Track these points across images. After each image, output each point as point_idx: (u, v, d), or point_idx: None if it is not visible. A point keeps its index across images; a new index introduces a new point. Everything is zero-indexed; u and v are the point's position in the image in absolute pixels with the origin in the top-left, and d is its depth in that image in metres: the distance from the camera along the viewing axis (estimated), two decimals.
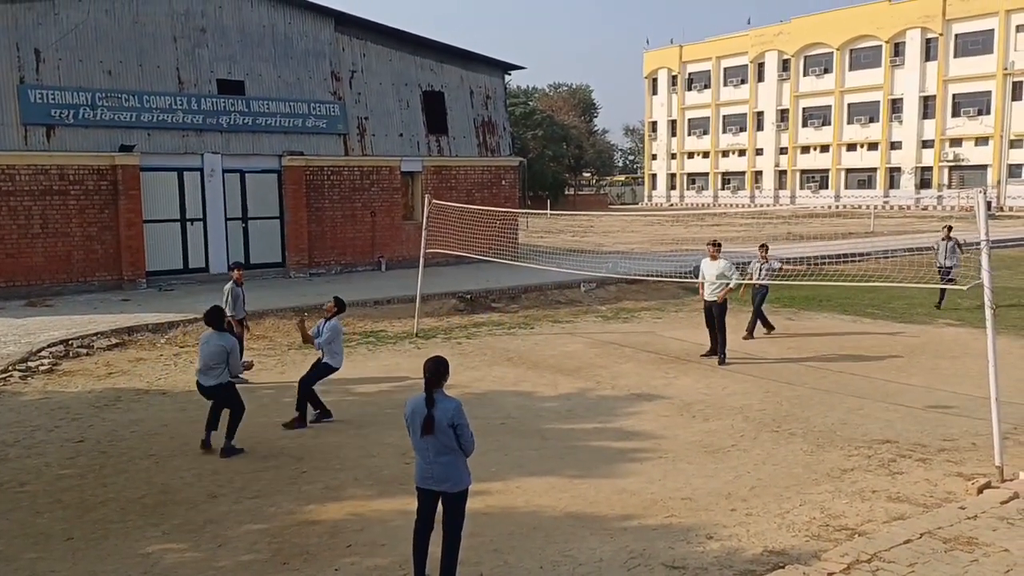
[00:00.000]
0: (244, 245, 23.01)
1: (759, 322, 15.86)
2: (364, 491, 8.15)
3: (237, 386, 9.62)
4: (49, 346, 14.47)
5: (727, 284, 13.74)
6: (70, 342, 14.83)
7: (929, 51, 65.42)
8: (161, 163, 21.51)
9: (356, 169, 24.55)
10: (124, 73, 21.06)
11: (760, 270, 15.70)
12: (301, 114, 23.44)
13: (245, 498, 8.02)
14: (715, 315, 13.70)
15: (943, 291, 18.10)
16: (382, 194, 25.02)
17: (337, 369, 10.82)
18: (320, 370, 10.70)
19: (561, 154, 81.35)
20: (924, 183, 66.29)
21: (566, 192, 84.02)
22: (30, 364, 13.51)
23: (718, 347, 13.66)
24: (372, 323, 17.35)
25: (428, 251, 16.89)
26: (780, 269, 16.51)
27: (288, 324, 16.69)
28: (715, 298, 13.72)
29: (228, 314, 12.15)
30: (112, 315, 17.10)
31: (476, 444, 6.21)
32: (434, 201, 17.26)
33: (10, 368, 13.13)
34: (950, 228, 18.84)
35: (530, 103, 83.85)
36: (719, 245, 13.99)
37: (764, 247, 16.08)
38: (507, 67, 28.18)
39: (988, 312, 8.34)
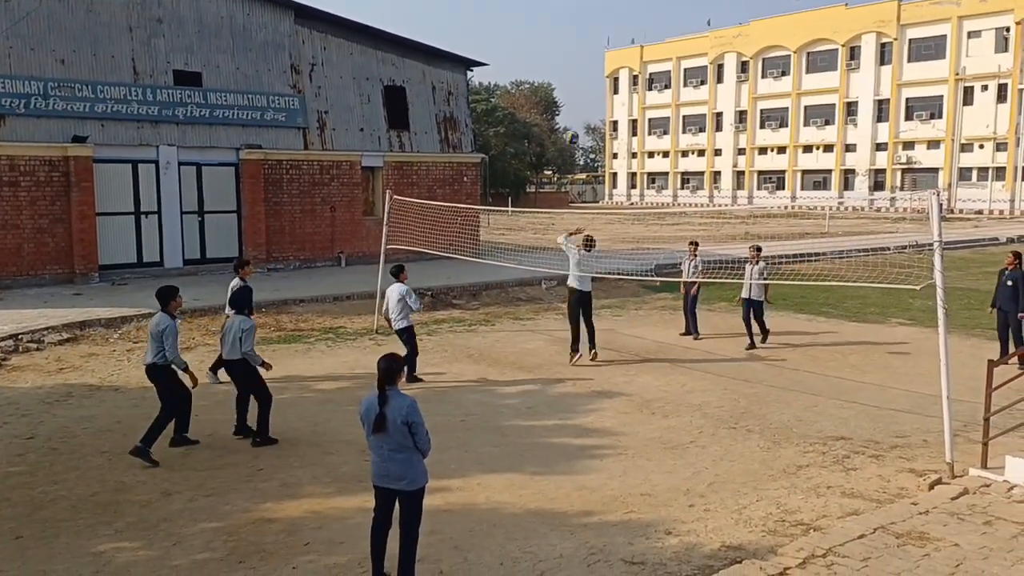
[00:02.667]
0: (200, 239, 22.66)
1: (687, 322, 15.89)
2: (322, 488, 8.07)
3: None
4: None
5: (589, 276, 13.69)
6: (20, 337, 14.47)
7: (884, 55, 66.69)
8: (115, 155, 21.08)
9: (316, 163, 24.31)
10: (77, 62, 20.59)
11: (690, 267, 15.82)
12: (259, 107, 23.14)
13: (200, 496, 7.89)
14: (585, 305, 13.53)
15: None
16: (342, 189, 24.81)
17: None
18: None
19: (523, 152, 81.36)
20: (878, 185, 67.58)
21: (527, 190, 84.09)
22: None
23: (590, 337, 13.55)
24: (331, 319, 17.19)
25: (389, 247, 16.78)
26: (702, 272, 16.02)
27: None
28: (588, 288, 13.55)
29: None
30: (63, 309, 16.72)
31: (436, 441, 6.19)
32: (395, 197, 17.15)
33: None
34: (759, 249, 15.10)
35: (492, 100, 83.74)
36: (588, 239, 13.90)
37: (694, 244, 16.16)
38: (469, 63, 28.11)
39: (940, 312, 8.51)
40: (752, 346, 14.68)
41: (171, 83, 21.86)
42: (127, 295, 18.51)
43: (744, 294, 14.80)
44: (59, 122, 20.30)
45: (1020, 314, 12.88)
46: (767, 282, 14.73)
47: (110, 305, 17.16)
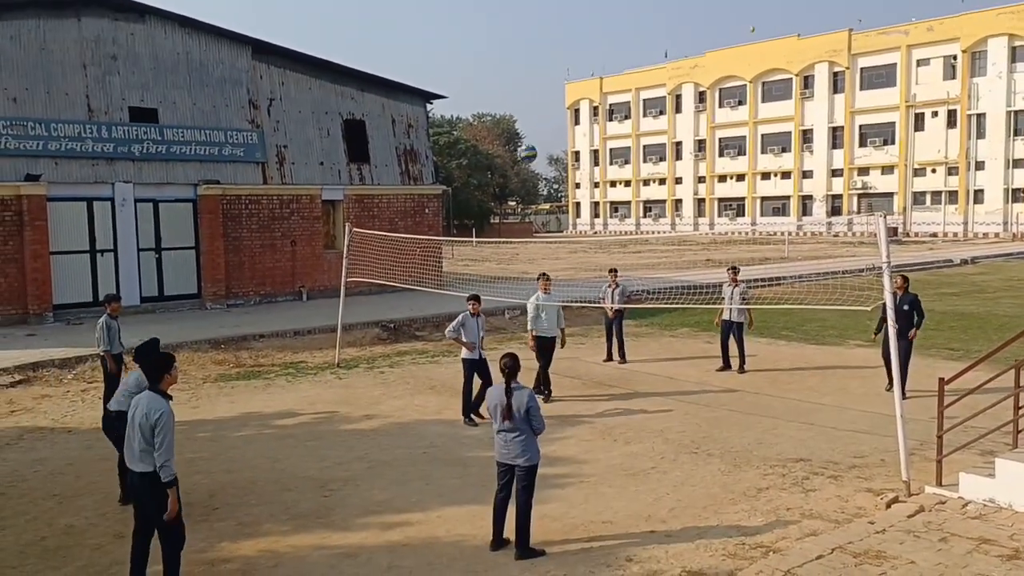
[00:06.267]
0: (158, 276, 22.37)
1: (616, 347, 15.98)
2: (279, 526, 7.93)
3: None
4: None
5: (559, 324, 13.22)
6: None
7: (836, 84, 68.29)
8: (69, 193, 20.81)
9: (275, 198, 24.19)
10: (30, 100, 20.36)
11: (612, 295, 15.93)
12: (217, 142, 23.01)
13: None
14: (549, 350, 13.06)
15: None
16: (303, 223, 24.69)
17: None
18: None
19: (486, 183, 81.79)
20: (835, 210, 68.84)
21: (491, 221, 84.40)
22: None
23: (543, 381, 12.98)
24: (292, 354, 17.02)
25: (350, 280, 16.69)
26: (629, 297, 16.07)
27: (203, 356, 16.30)
28: (556, 334, 13.12)
29: (103, 349, 11.67)
30: (16, 351, 16.37)
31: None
32: (356, 230, 17.10)
33: None
34: (736, 270, 15.10)
35: (454, 132, 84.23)
36: (549, 278, 13.41)
37: (614, 272, 16.32)
38: (429, 96, 28.27)
39: (891, 331, 8.66)
40: (726, 368, 14.72)
41: (127, 120, 21.69)
42: (82, 335, 18.14)
43: (725, 316, 14.74)
44: (11, 161, 20.01)
45: (913, 331, 12.76)
46: (749, 307, 14.82)
47: (65, 345, 16.84)
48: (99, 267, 21.40)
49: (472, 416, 11.67)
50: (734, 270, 15.01)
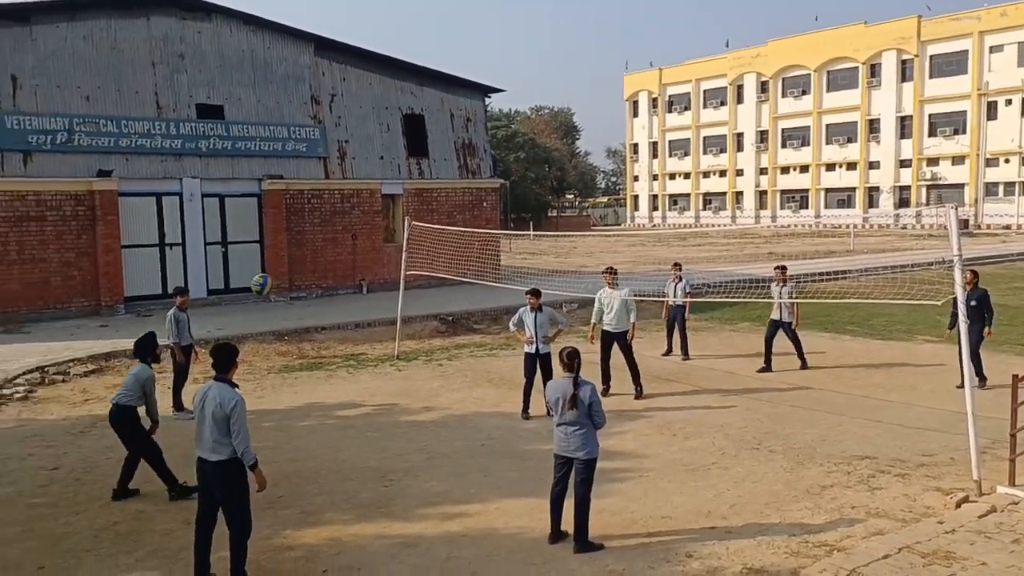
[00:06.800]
0: (224, 269, 22.90)
1: (679, 342, 15.79)
2: (341, 515, 8.06)
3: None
4: (24, 373, 14.31)
5: (630, 319, 12.76)
6: (46, 369, 14.67)
7: (905, 72, 66.37)
8: (140, 188, 21.43)
9: (337, 192, 24.55)
10: (102, 98, 21.00)
11: (675, 289, 15.73)
12: (281, 138, 23.44)
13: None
14: (621, 346, 12.75)
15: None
16: (363, 217, 25.01)
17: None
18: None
19: (543, 176, 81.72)
20: (903, 202, 67.01)
21: (549, 214, 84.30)
22: (4, 392, 13.33)
23: (633, 379, 12.77)
24: (353, 346, 17.26)
25: (409, 273, 16.85)
26: (690, 291, 15.98)
27: (268, 348, 16.65)
28: (623, 329, 12.74)
29: (172, 341, 12.25)
30: (89, 341, 16.93)
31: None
32: (414, 223, 17.25)
33: None
34: (784, 268, 14.62)
35: (512, 126, 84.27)
36: (615, 272, 13.03)
37: (677, 265, 16.13)
38: (487, 90, 28.33)
39: (963, 327, 8.40)
40: (767, 368, 14.26)
41: (194, 116, 22.23)
42: (152, 326, 18.60)
43: (775, 315, 14.43)
44: (84, 157, 20.69)
45: (988, 330, 12.45)
46: (796, 301, 14.50)
47: (135, 336, 17.26)
48: (168, 260, 22.02)
49: (529, 411, 11.65)
50: (782, 268, 14.59)
